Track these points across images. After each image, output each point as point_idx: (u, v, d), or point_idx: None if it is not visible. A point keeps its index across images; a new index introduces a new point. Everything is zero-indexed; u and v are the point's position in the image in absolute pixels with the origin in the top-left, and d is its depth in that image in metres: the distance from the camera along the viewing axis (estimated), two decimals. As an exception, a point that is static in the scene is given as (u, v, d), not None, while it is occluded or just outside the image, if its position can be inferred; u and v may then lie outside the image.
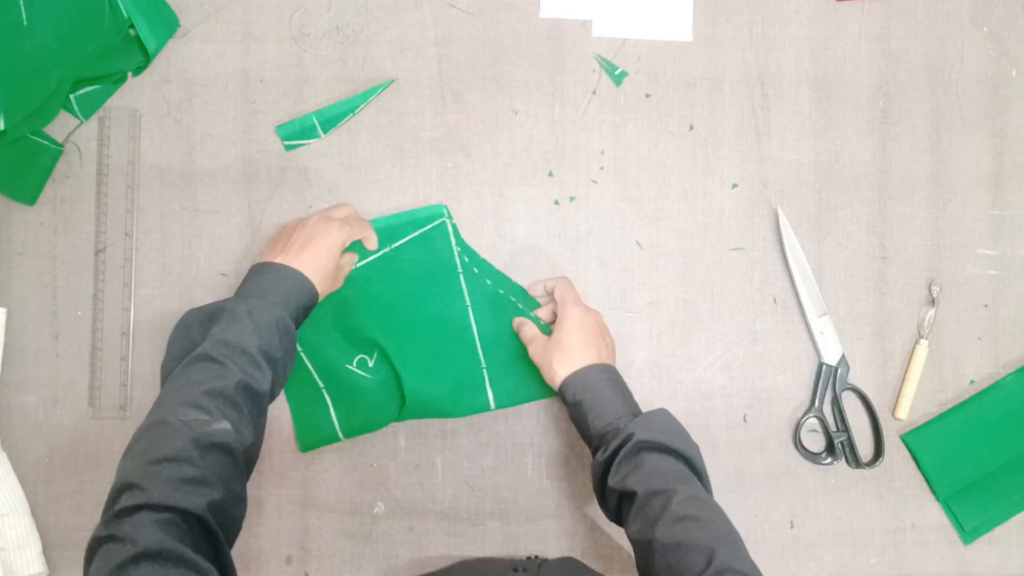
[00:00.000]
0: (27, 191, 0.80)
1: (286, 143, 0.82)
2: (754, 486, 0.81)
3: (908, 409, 0.80)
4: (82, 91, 0.80)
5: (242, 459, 0.62)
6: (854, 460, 0.80)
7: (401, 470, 0.80)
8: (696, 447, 0.68)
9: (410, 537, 0.80)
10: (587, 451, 0.80)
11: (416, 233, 0.80)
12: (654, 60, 0.83)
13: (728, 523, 0.62)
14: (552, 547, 0.80)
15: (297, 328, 0.70)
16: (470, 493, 0.81)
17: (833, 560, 0.81)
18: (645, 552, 0.61)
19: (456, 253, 0.80)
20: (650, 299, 0.82)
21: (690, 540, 0.59)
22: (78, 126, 0.81)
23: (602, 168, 0.82)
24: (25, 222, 0.81)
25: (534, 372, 0.76)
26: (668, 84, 0.83)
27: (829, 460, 0.80)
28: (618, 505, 0.67)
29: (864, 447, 0.81)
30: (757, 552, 0.79)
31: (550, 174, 0.82)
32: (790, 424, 0.81)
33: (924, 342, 0.80)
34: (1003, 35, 0.83)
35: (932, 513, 0.81)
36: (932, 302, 0.81)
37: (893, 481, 0.81)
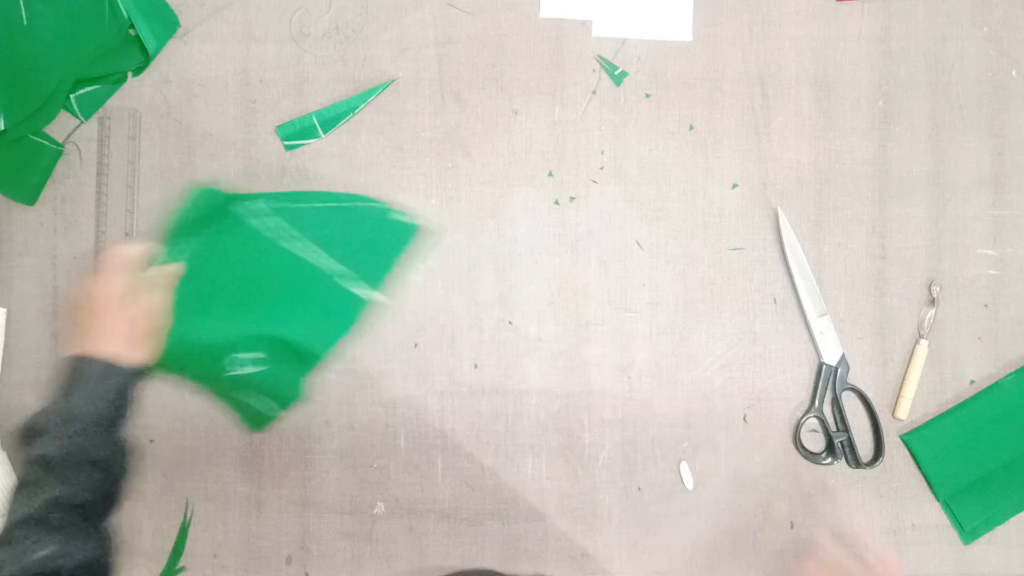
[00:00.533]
0: (27, 191, 0.80)
1: (286, 143, 0.82)
2: (754, 486, 0.81)
3: (908, 409, 0.80)
4: (82, 91, 0.80)
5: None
6: (854, 460, 0.80)
7: (401, 470, 0.80)
8: None
9: (410, 537, 0.80)
10: (587, 450, 0.80)
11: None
12: (654, 60, 0.83)
13: None
14: (552, 547, 0.80)
15: (123, 414, 0.62)
16: (470, 493, 0.81)
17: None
18: None
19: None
20: (650, 299, 0.82)
21: None
22: (78, 126, 0.81)
23: (602, 168, 0.82)
24: (25, 222, 0.81)
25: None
26: (668, 84, 0.83)
27: (829, 460, 0.80)
28: None
29: (864, 447, 0.81)
30: (757, 552, 0.80)
31: (550, 174, 0.82)
32: (790, 424, 0.81)
33: (924, 342, 0.80)
34: (1003, 35, 0.83)
35: (932, 513, 0.81)
36: (932, 302, 0.81)
37: (893, 481, 0.81)
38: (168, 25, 0.81)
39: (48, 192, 0.81)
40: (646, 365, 0.81)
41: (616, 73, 0.82)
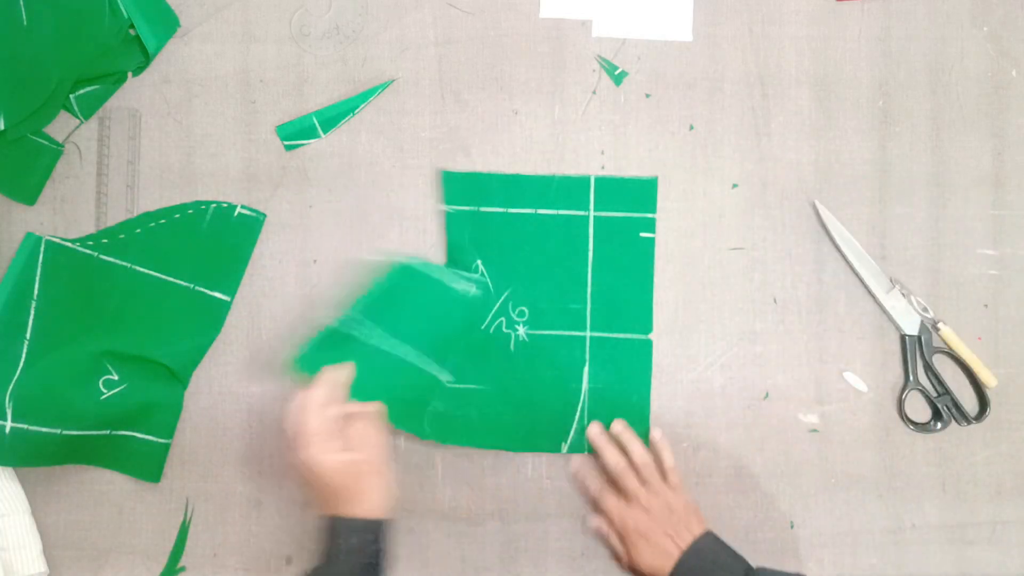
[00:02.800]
0: (27, 191, 0.80)
1: (286, 143, 0.82)
2: (754, 486, 0.81)
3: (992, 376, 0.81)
4: (82, 91, 0.80)
5: None
6: (963, 418, 0.80)
7: (401, 470, 0.80)
8: None
9: (410, 537, 0.80)
10: (587, 450, 0.80)
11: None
12: (654, 60, 0.83)
13: None
14: (552, 547, 0.80)
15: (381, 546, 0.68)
16: (470, 493, 0.81)
17: (833, 560, 0.81)
18: None
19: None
20: (650, 299, 0.82)
21: None
22: (78, 126, 0.81)
23: (602, 168, 0.82)
24: (25, 222, 0.81)
25: None
26: (668, 84, 0.83)
27: (939, 426, 0.80)
28: None
29: (967, 404, 0.81)
30: (757, 552, 0.80)
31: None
32: (790, 424, 0.81)
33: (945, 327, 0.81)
34: (1003, 35, 0.83)
35: (932, 513, 0.81)
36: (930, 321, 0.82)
37: (893, 481, 0.81)
38: (168, 25, 0.81)
39: (48, 192, 0.81)
40: (646, 365, 0.81)
41: (616, 73, 0.82)
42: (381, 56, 0.82)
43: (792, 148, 0.82)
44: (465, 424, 0.78)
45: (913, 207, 0.82)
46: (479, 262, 0.79)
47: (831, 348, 0.81)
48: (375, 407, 0.72)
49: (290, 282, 0.81)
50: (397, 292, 0.77)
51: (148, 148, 0.82)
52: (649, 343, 0.80)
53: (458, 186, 0.81)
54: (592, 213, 0.80)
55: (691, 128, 0.82)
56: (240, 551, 0.80)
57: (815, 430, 0.81)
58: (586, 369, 0.79)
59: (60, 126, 0.81)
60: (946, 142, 0.83)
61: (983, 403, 0.81)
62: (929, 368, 0.81)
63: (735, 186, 0.82)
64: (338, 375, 0.72)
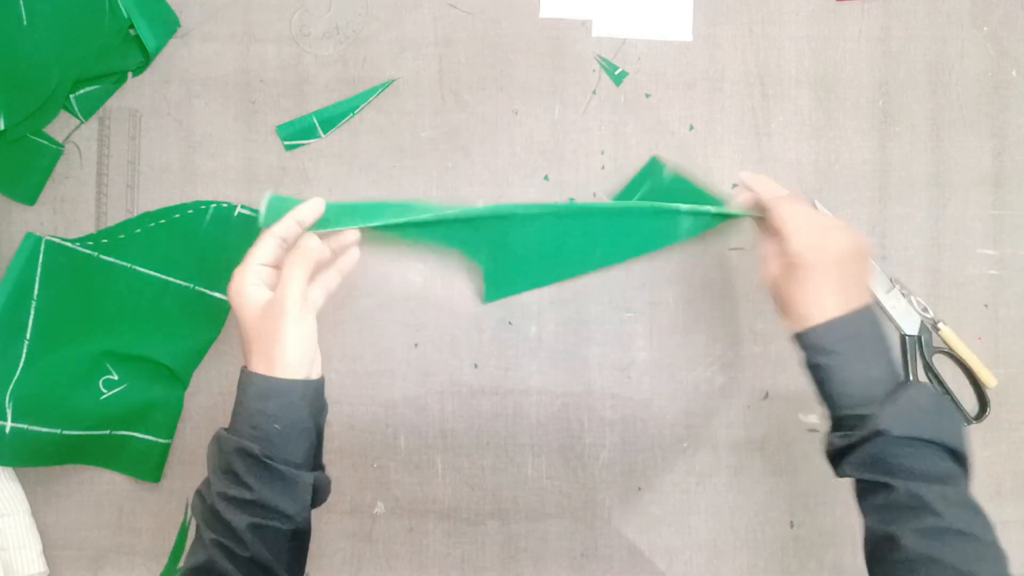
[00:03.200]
0: (27, 191, 0.80)
1: (286, 143, 0.82)
2: (754, 486, 0.81)
3: (992, 376, 0.81)
4: (82, 91, 0.80)
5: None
6: (963, 418, 0.80)
7: (401, 470, 0.80)
8: (964, 433, 0.56)
9: (410, 537, 0.80)
10: (587, 450, 0.80)
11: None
12: (654, 60, 0.83)
13: (993, 535, 0.53)
14: (552, 547, 0.80)
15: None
16: (470, 493, 0.81)
17: (833, 560, 0.81)
18: (883, 547, 0.54)
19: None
20: (650, 299, 0.82)
21: (949, 558, 0.50)
22: (78, 126, 0.81)
23: (603, 168, 0.82)
24: (25, 222, 0.81)
25: None
26: (668, 84, 0.83)
27: None
28: (859, 489, 0.59)
29: (967, 404, 0.81)
30: (757, 552, 0.80)
31: (546, 178, 0.82)
32: (790, 424, 0.81)
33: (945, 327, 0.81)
34: (1003, 35, 0.83)
35: (932, 513, 0.81)
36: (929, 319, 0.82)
37: (893, 481, 0.81)
38: (168, 25, 0.81)
39: (48, 192, 0.81)
40: (646, 365, 0.81)
41: (616, 73, 0.82)
42: (381, 56, 0.82)
43: (792, 148, 0.82)
44: (556, 245, 0.74)
45: (913, 207, 0.82)
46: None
47: (831, 348, 0.81)
48: (307, 234, 0.61)
49: (290, 282, 0.81)
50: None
51: (148, 148, 0.82)
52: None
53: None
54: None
55: (691, 128, 0.82)
56: (240, 551, 0.80)
57: (815, 430, 0.81)
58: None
59: (60, 126, 0.81)
60: (946, 142, 0.83)
61: (983, 403, 0.81)
62: (929, 368, 0.81)
63: (735, 186, 0.82)
64: (298, 215, 0.61)
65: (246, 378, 0.57)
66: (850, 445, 0.57)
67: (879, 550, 0.55)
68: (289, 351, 0.56)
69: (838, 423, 0.58)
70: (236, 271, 0.58)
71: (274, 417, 0.56)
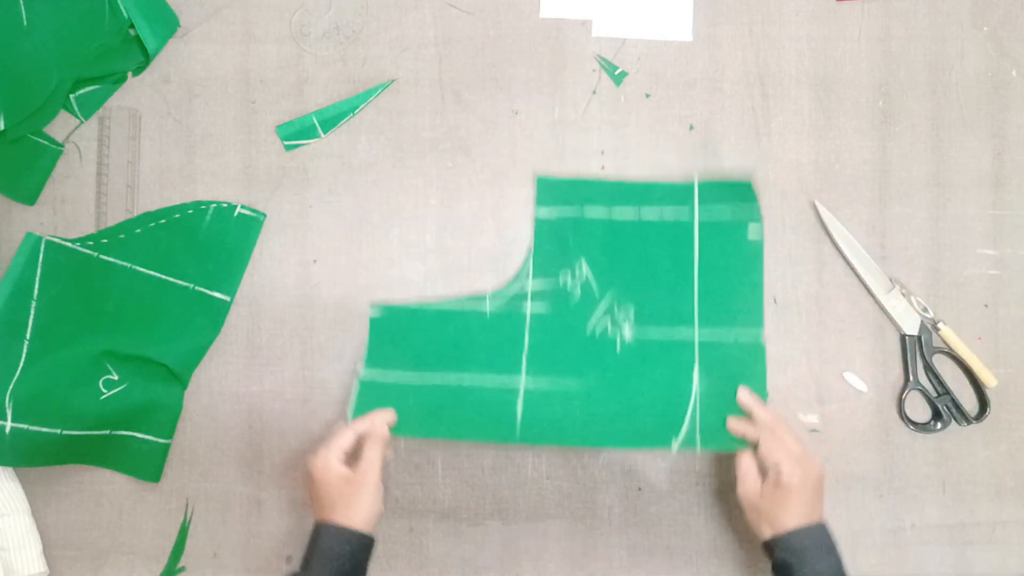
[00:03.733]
0: (27, 191, 0.80)
1: (286, 143, 0.82)
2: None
3: (993, 376, 0.80)
4: (82, 91, 0.80)
5: None
6: (963, 418, 0.80)
7: (401, 470, 0.80)
8: None
9: (410, 537, 0.80)
10: (587, 450, 0.80)
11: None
12: (654, 60, 0.83)
13: None
14: (552, 547, 0.80)
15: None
16: (470, 493, 0.81)
17: (833, 560, 0.81)
18: None
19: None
20: (650, 299, 0.82)
21: None
22: (78, 126, 0.81)
23: (603, 168, 0.82)
24: (25, 222, 0.81)
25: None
26: (668, 84, 0.83)
27: (939, 426, 0.80)
28: None
29: (967, 404, 0.81)
30: (757, 552, 0.80)
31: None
32: (790, 424, 0.81)
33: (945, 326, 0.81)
34: (1003, 35, 0.83)
35: (932, 513, 0.81)
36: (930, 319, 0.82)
37: (893, 481, 0.81)
38: (168, 25, 0.81)
39: (48, 192, 0.81)
40: (646, 365, 0.81)
41: (616, 73, 0.82)
42: (381, 56, 0.82)
43: (792, 148, 0.82)
44: (568, 423, 0.77)
45: (913, 207, 0.82)
46: (583, 261, 0.79)
47: (831, 348, 0.81)
48: (382, 428, 0.74)
49: (290, 282, 0.81)
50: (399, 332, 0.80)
51: (148, 148, 0.82)
52: (761, 345, 0.79)
53: (556, 191, 0.81)
54: (696, 218, 0.79)
55: (691, 128, 0.82)
56: (240, 551, 0.80)
57: (815, 430, 0.81)
58: (696, 369, 0.78)
59: (60, 126, 0.81)
60: (946, 142, 0.83)
61: (983, 403, 0.81)
62: (929, 368, 0.81)
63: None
64: (375, 420, 0.74)
65: (326, 528, 0.69)
66: None
67: None
68: (368, 511, 0.70)
69: None
70: (322, 451, 0.72)
71: (348, 556, 0.68)
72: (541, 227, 0.81)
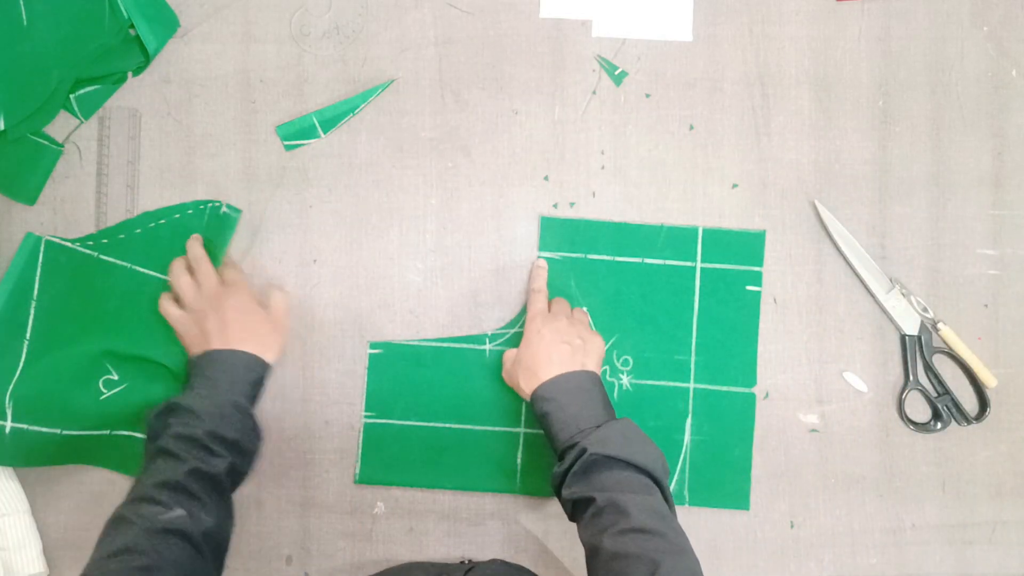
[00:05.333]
0: (27, 191, 0.80)
1: (286, 143, 0.82)
2: (754, 486, 0.81)
3: (993, 376, 0.81)
4: (82, 91, 0.80)
5: (203, 542, 0.62)
6: (963, 418, 0.80)
7: (401, 470, 0.80)
8: (658, 458, 0.67)
9: (410, 537, 0.80)
10: (587, 451, 0.80)
11: None
12: (654, 60, 0.83)
13: (680, 536, 0.62)
14: (553, 547, 0.80)
15: (255, 402, 0.73)
16: (470, 493, 0.81)
17: (833, 560, 0.81)
18: (592, 559, 0.62)
19: None
20: (650, 299, 0.82)
21: (636, 551, 0.58)
22: (78, 126, 0.81)
23: (603, 168, 0.82)
24: (25, 222, 0.81)
25: None
26: (668, 84, 0.83)
27: (939, 426, 0.80)
28: (573, 511, 0.67)
29: (967, 404, 0.81)
30: (757, 552, 0.80)
31: (546, 178, 0.82)
32: (790, 424, 0.81)
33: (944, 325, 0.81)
34: (1003, 35, 0.83)
35: (932, 513, 0.81)
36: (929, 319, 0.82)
37: (893, 481, 0.81)
38: (168, 25, 0.81)
39: (48, 192, 0.81)
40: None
41: (616, 73, 0.82)
42: (381, 56, 0.82)
43: (792, 148, 0.82)
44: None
45: (913, 207, 0.82)
46: (584, 309, 0.80)
47: (831, 348, 0.81)
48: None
49: (290, 282, 0.81)
50: None
51: (148, 148, 0.82)
52: (753, 397, 0.80)
53: (560, 232, 0.81)
54: (699, 264, 0.80)
55: (691, 128, 0.82)
56: (240, 551, 0.80)
57: (815, 430, 0.81)
58: (688, 421, 0.79)
59: (60, 126, 0.81)
60: (946, 142, 0.83)
61: (983, 403, 0.81)
62: (929, 368, 0.81)
63: (735, 186, 0.82)
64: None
65: (234, 353, 0.73)
66: (566, 471, 0.66)
67: (590, 564, 0.62)
68: (281, 348, 0.77)
69: (561, 458, 0.68)
70: (242, 283, 0.78)
71: (259, 382, 0.74)
72: (552, 269, 0.81)
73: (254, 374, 0.73)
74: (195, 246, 0.78)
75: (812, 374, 0.81)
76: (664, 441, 0.78)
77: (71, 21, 0.76)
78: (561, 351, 0.72)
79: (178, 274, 0.77)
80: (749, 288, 0.80)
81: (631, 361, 0.80)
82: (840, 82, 0.83)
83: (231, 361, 0.72)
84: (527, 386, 0.72)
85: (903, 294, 0.81)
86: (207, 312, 0.74)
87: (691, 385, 0.80)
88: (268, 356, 0.74)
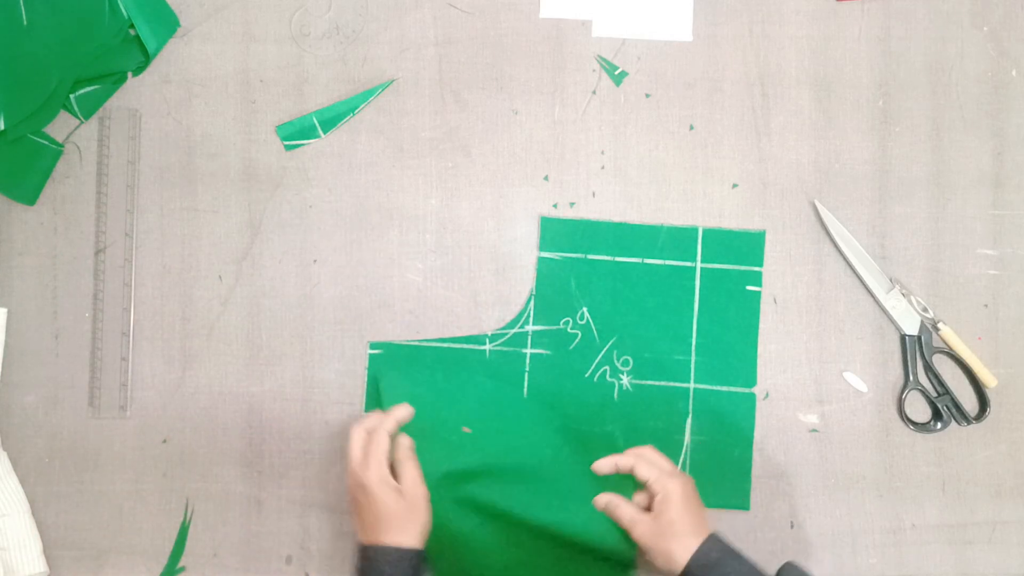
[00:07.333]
0: (27, 191, 0.80)
1: (286, 143, 0.82)
2: (755, 486, 0.81)
3: (993, 376, 0.80)
4: (82, 91, 0.80)
5: None
6: (963, 418, 0.80)
7: (401, 470, 0.80)
8: None
9: (410, 537, 0.80)
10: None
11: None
12: (654, 60, 0.83)
13: None
14: (552, 547, 0.80)
15: None
16: (470, 493, 0.81)
17: (833, 560, 0.81)
18: None
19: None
20: (650, 299, 0.82)
21: None
22: (78, 126, 0.81)
23: (603, 168, 0.82)
24: (25, 222, 0.81)
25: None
26: (668, 84, 0.83)
27: (939, 426, 0.80)
28: None
29: (967, 404, 0.81)
30: (757, 552, 0.80)
31: (546, 178, 0.82)
32: (790, 424, 0.81)
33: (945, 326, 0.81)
34: (1003, 35, 0.83)
35: (932, 513, 0.81)
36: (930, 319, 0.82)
37: (893, 481, 0.81)
38: (168, 25, 0.81)
39: (48, 192, 0.81)
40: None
41: (616, 73, 0.82)
42: (381, 56, 0.82)
43: (792, 148, 0.82)
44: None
45: (913, 207, 0.82)
46: (584, 309, 0.80)
47: (831, 348, 0.81)
48: (406, 438, 0.73)
49: (290, 282, 0.81)
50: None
51: (148, 148, 0.82)
52: (753, 397, 0.80)
53: (560, 232, 0.81)
54: (699, 264, 0.80)
55: (691, 128, 0.82)
56: (240, 551, 0.80)
57: (815, 430, 0.81)
58: (689, 421, 0.79)
59: (60, 126, 0.81)
60: (946, 142, 0.83)
61: (983, 403, 0.81)
62: (929, 368, 0.81)
63: (735, 186, 0.82)
64: (394, 421, 0.73)
65: (382, 551, 0.68)
66: None
67: None
68: (424, 529, 0.70)
69: None
70: (372, 463, 0.70)
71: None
72: (543, 267, 0.80)
73: (405, 563, 0.68)
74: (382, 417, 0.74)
75: (812, 374, 0.81)
76: (664, 441, 0.78)
77: (71, 21, 0.76)
78: (702, 513, 0.71)
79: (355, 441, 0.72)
80: (749, 288, 0.80)
81: (631, 361, 0.80)
82: (840, 82, 0.83)
83: (378, 559, 0.68)
84: (683, 552, 0.68)
85: (903, 294, 0.81)
86: (356, 498, 0.71)
87: (691, 385, 0.80)
88: (414, 542, 0.69)
